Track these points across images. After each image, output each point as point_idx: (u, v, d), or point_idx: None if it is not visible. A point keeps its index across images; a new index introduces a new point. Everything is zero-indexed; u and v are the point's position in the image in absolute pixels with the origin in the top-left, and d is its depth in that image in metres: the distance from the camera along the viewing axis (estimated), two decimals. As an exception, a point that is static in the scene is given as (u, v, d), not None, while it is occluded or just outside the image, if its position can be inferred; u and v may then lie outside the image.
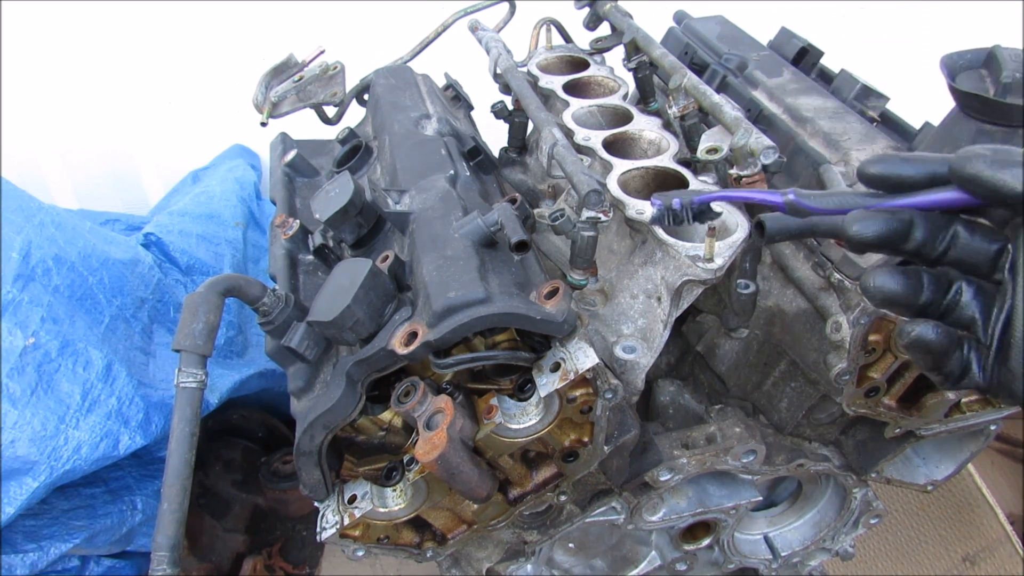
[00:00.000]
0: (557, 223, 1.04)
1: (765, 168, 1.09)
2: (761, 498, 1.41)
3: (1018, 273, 0.56)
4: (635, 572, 1.53)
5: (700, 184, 1.16)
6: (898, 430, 1.30)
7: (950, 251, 0.60)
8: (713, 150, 1.12)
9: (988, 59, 1.06)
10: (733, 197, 0.85)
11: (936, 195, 0.60)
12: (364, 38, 2.18)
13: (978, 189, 0.56)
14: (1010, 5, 2.41)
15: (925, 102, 1.32)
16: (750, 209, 1.17)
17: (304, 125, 1.58)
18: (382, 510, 1.06)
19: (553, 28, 1.66)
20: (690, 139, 1.26)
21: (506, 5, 1.66)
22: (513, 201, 1.10)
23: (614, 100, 1.43)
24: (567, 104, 1.41)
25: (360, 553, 1.12)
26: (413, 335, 0.91)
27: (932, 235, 0.59)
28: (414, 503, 1.07)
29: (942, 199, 0.59)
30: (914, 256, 0.61)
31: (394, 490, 1.06)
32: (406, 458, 1.07)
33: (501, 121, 1.59)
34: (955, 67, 1.08)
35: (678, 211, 0.87)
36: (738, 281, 1.14)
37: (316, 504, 1.10)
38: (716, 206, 0.89)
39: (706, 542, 1.50)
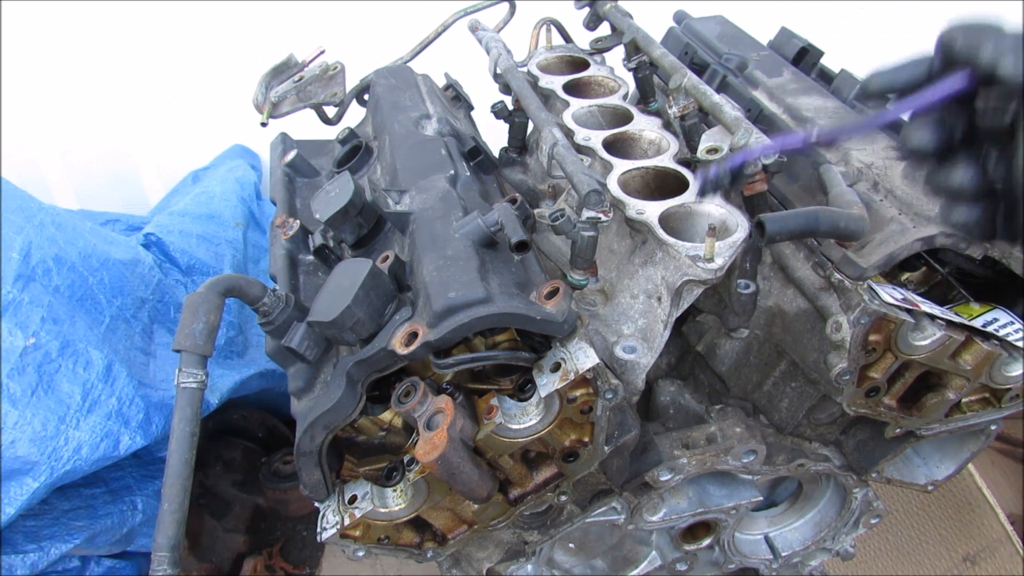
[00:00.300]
0: (557, 223, 1.04)
1: (765, 168, 1.09)
2: (761, 498, 1.41)
3: (1015, 139, 0.59)
4: (636, 572, 1.53)
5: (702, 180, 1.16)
6: (898, 430, 1.30)
7: (976, 135, 0.63)
8: (713, 150, 1.12)
9: (988, 59, 1.06)
10: (760, 151, 0.84)
11: (943, 86, 0.61)
12: (364, 38, 2.18)
13: (957, 60, 0.60)
14: (1010, 5, 2.41)
15: (925, 102, 1.32)
16: (750, 209, 1.17)
17: (304, 125, 1.58)
18: (382, 510, 1.06)
19: (553, 28, 1.66)
20: (690, 139, 1.26)
21: (506, 5, 1.66)
22: (513, 201, 1.10)
23: (614, 100, 1.43)
24: (567, 104, 1.41)
25: (360, 553, 1.12)
26: (413, 335, 0.91)
27: (966, 122, 0.62)
28: (414, 503, 1.07)
29: (950, 88, 0.61)
30: (964, 144, 0.64)
31: (394, 490, 1.06)
32: (406, 458, 1.07)
33: (501, 121, 1.59)
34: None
35: (715, 179, 0.88)
36: (738, 281, 1.14)
37: (316, 504, 1.10)
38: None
39: (707, 542, 1.50)
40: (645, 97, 1.53)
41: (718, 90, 1.39)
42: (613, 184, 1.17)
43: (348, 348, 1.04)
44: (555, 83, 1.49)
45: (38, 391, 1.37)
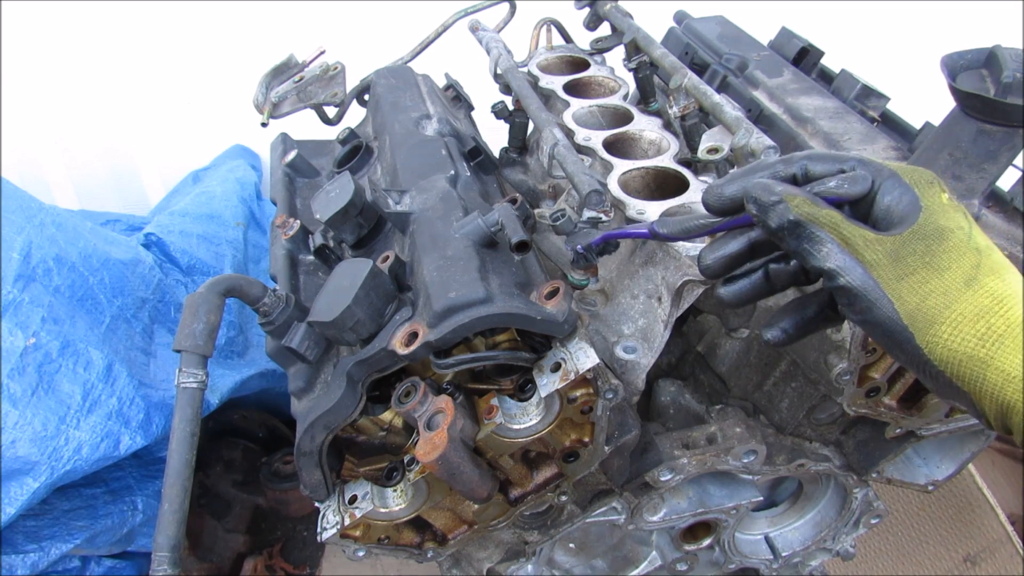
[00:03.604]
0: (558, 223, 1.04)
1: (766, 168, 1.09)
2: (762, 498, 1.41)
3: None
4: (636, 572, 1.53)
5: (700, 184, 1.16)
6: (899, 430, 1.30)
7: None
8: (714, 150, 1.12)
9: (989, 59, 1.06)
10: (612, 236, 0.95)
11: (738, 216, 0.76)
12: (364, 38, 2.18)
13: (725, 206, 0.74)
14: (1010, 5, 2.41)
15: (925, 102, 1.32)
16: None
17: (305, 125, 1.58)
18: (383, 510, 1.06)
19: (553, 28, 1.66)
20: (691, 139, 1.26)
21: (506, 5, 1.66)
22: (514, 201, 1.10)
23: (614, 100, 1.43)
24: (567, 104, 1.41)
25: (361, 553, 1.12)
26: (414, 335, 0.91)
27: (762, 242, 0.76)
28: (415, 503, 1.07)
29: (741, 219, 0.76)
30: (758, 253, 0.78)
31: (395, 490, 1.06)
32: (407, 458, 1.07)
33: (501, 121, 1.59)
34: (955, 67, 1.08)
35: (583, 253, 0.96)
36: (739, 281, 1.13)
37: (317, 504, 1.10)
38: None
39: (707, 542, 1.50)
40: (645, 97, 1.53)
41: (718, 90, 1.39)
42: (613, 184, 1.17)
43: (348, 348, 1.04)
44: (555, 83, 1.49)
45: (38, 391, 1.37)
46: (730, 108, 1.16)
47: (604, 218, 1.02)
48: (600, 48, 1.60)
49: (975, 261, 0.65)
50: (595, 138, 1.29)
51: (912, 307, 0.63)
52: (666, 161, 1.23)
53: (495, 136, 1.60)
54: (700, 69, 1.57)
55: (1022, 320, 0.61)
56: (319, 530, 1.08)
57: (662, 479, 1.26)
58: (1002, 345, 0.60)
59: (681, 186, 1.17)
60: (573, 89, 1.49)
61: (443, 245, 1.02)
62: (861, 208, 0.71)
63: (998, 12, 2.42)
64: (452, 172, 1.23)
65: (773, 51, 1.59)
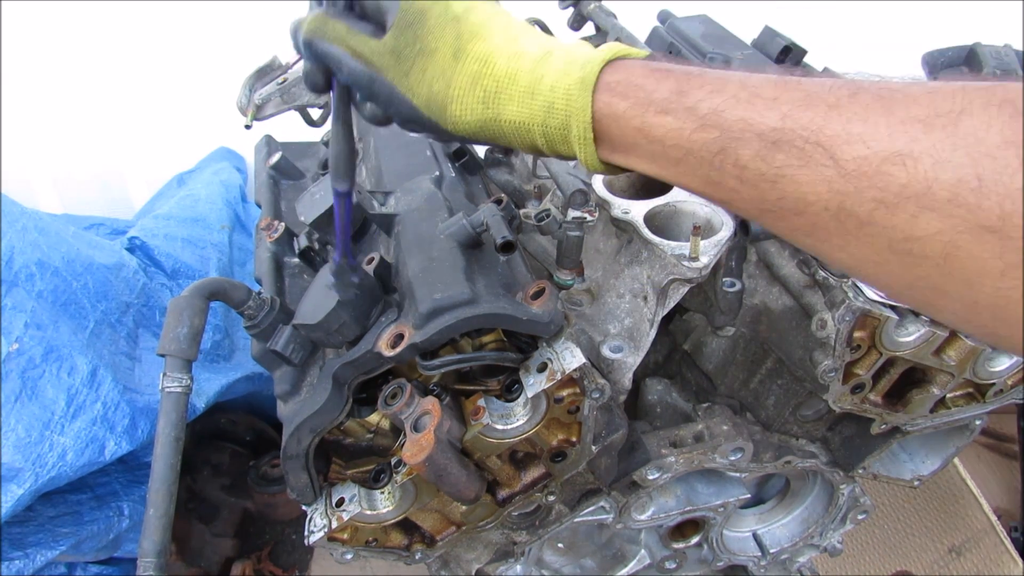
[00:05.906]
0: (543, 223, 1.04)
1: (749, 167, 1.09)
2: (749, 495, 1.42)
3: None
4: (625, 571, 1.54)
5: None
6: (884, 426, 1.31)
7: None
8: (698, 149, 1.12)
9: (969, 56, 1.07)
10: None
11: None
12: (349, 39, 2.17)
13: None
14: (1010, 5, 2.42)
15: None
16: (735, 208, 1.18)
17: (289, 128, 1.57)
18: (370, 513, 1.06)
19: (537, 28, 1.66)
20: (675, 138, 1.27)
21: (491, 6, 1.66)
22: (499, 202, 1.10)
23: (599, 100, 1.43)
24: (552, 104, 1.41)
25: (349, 556, 1.12)
26: (399, 337, 0.91)
27: None
28: (402, 505, 1.07)
29: None
30: None
31: (382, 492, 1.06)
32: (394, 460, 1.07)
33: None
34: (936, 64, 1.09)
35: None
36: (724, 280, 1.14)
37: (304, 507, 1.09)
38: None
39: (695, 540, 1.51)
40: (630, 97, 1.53)
41: (702, 89, 1.39)
42: (598, 184, 1.17)
43: (334, 351, 1.04)
44: (540, 83, 1.49)
45: (22, 397, 1.36)
46: (714, 107, 1.16)
47: (589, 218, 1.02)
48: (584, 48, 1.60)
49: (456, 31, 0.65)
50: (580, 138, 1.29)
51: (425, 98, 0.65)
52: (651, 160, 1.23)
53: (480, 137, 1.59)
54: (684, 68, 1.57)
55: (505, 71, 0.64)
56: (307, 533, 1.07)
57: (650, 477, 1.27)
58: (499, 100, 0.64)
59: (665, 185, 1.17)
60: (558, 89, 1.48)
61: (428, 246, 1.02)
62: (369, 12, 0.69)
63: (998, 12, 2.43)
64: (437, 173, 1.22)
65: (756, 50, 1.60)
